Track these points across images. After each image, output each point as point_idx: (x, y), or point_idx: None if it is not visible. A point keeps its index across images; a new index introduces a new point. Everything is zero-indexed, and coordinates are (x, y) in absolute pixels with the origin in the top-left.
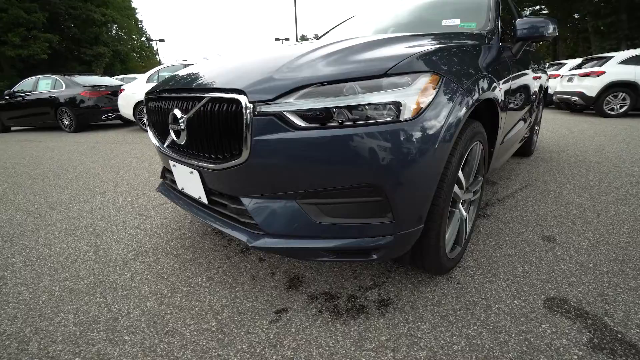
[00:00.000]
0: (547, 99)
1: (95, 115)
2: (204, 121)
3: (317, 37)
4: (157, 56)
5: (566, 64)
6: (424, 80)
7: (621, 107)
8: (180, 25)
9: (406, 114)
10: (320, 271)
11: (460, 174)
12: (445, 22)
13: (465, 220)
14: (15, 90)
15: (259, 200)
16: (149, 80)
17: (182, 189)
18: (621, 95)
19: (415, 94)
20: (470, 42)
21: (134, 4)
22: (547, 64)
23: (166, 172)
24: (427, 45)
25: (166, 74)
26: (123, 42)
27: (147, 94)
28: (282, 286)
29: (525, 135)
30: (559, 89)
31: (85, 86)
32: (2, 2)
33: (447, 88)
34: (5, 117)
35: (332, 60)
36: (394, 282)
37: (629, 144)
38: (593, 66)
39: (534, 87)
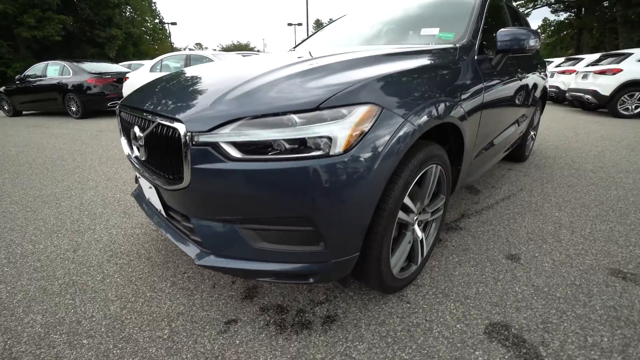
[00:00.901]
0: (545, 101)
1: (101, 102)
2: (155, 143)
3: (294, 47)
4: (169, 39)
5: (583, 59)
6: (360, 112)
7: (636, 107)
8: (193, 7)
9: (337, 148)
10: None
11: (408, 200)
12: (423, 32)
13: (422, 240)
14: (26, 75)
15: (204, 221)
16: (152, 70)
17: (148, 199)
18: (637, 94)
19: (348, 128)
20: (434, 61)
21: None
22: (564, 59)
23: (137, 179)
24: (377, 71)
25: (170, 63)
26: (136, 24)
27: (120, 104)
28: (238, 296)
29: (517, 141)
30: (572, 85)
31: (92, 73)
32: None
33: (386, 120)
34: (17, 101)
35: (269, 91)
36: (346, 298)
37: (632, 150)
38: (610, 63)
39: (523, 94)
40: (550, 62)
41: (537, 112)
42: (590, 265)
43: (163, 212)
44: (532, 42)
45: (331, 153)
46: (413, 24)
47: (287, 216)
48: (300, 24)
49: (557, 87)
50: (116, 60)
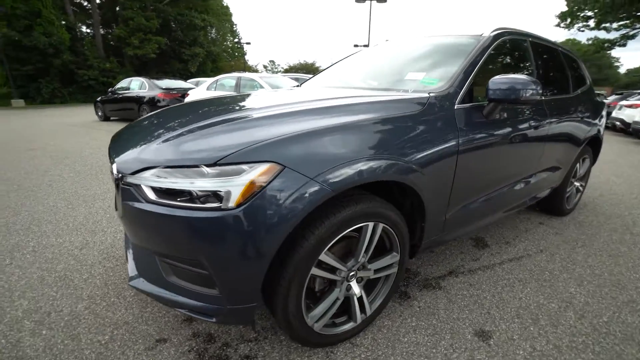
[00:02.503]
0: (599, 150)
1: None
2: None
3: (300, 84)
4: (245, 57)
5: None
6: (259, 170)
7: None
8: (269, 27)
9: (230, 203)
10: None
11: (329, 257)
12: (409, 76)
13: (361, 297)
14: (116, 87)
15: (137, 247)
16: (208, 88)
17: None
18: None
19: (242, 184)
20: (384, 114)
21: (231, 9)
22: (625, 95)
23: None
24: (303, 126)
25: (224, 83)
26: (217, 44)
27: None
28: (182, 316)
29: (538, 196)
30: (637, 119)
31: (162, 88)
32: (131, 12)
33: (287, 178)
34: (107, 109)
35: (187, 141)
36: (275, 341)
37: None
38: None
39: (543, 143)
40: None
41: (585, 160)
42: None
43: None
44: (529, 94)
45: (224, 207)
46: (407, 67)
47: (186, 258)
48: (366, 46)
49: (622, 120)
50: (196, 75)
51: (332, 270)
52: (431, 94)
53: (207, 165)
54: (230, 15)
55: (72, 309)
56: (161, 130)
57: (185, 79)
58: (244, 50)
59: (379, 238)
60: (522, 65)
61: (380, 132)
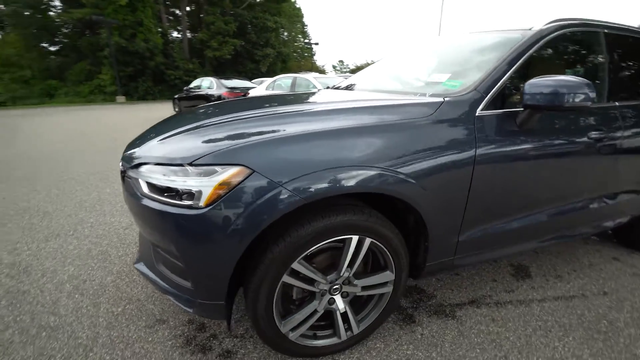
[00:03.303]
0: None
1: None
2: None
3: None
4: (313, 57)
5: None
6: (229, 172)
7: None
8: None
9: (200, 202)
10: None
11: (303, 267)
12: (433, 78)
13: (346, 312)
14: (191, 86)
15: (140, 233)
16: (267, 88)
17: None
18: None
19: (212, 185)
20: (379, 121)
21: (303, 10)
22: None
23: None
24: (291, 129)
25: (282, 83)
26: (287, 44)
27: None
28: None
29: (628, 218)
30: None
31: (227, 87)
32: (212, 17)
33: (255, 183)
34: (182, 105)
35: (175, 141)
36: (258, 342)
37: None
38: None
39: (607, 163)
40: None
41: None
42: None
43: None
44: (578, 99)
45: (194, 205)
46: (437, 67)
47: (165, 248)
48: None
49: None
50: (266, 74)
51: (310, 281)
52: (446, 99)
53: (184, 165)
54: (302, 16)
55: (102, 280)
56: (164, 130)
57: (252, 78)
58: (313, 50)
59: (373, 254)
60: (590, 63)
61: (369, 140)
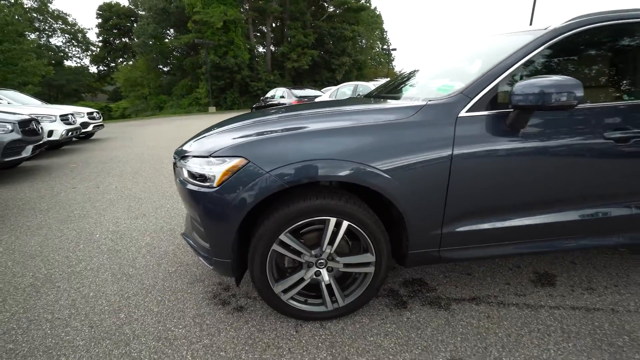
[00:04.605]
0: None
1: None
2: None
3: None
4: (392, 63)
5: None
6: (232, 162)
7: None
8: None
9: (214, 183)
10: None
11: (290, 239)
12: (431, 84)
13: (330, 285)
14: (267, 96)
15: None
16: (330, 96)
17: None
18: None
19: (220, 171)
20: (368, 122)
21: (383, 16)
22: None
23: None
24: (280, 128)
25: (345, 91)
26: (364, 52)
27: None
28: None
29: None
30: None
31: (297, 97)
32: (294, 31)
33: (250, 170)
34: None
35: (207, 139)
36: (265, 305)
37: None
38: None
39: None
40: None
41: None
42: None
43: None
44: (564, 98)
45: (210, 185)
46: (443, 73)
47: (194, 218)
48: None
49: None
50: (341, 82)
51: (298, 253)
52: (429, 102)
53: (208, 157)
54: (381, 23)
55: (166, 248)
56: (204, 131)
57: (327, 86)
58: (392, 56)
59: (355, 237)
60: (608, 61)
61: (345, 139)
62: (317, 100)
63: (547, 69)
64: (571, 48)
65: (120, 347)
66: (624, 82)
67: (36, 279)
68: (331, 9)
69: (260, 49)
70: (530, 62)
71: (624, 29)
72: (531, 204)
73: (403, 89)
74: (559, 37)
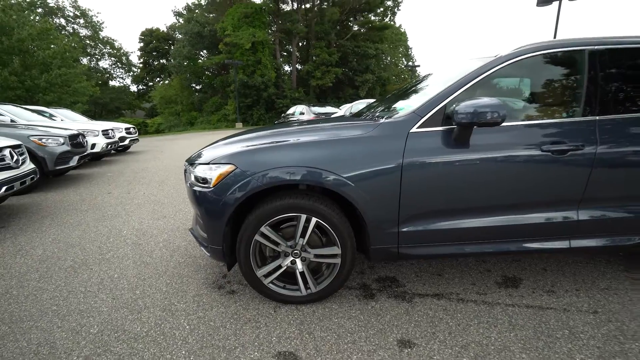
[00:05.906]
0: None
1: None
2: None
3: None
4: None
5: None
6: (224, 168)
7: None
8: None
9: (210, 184)
10: None
11: (269, 231)
12: (397, 104)
13: (304, 273)
14: (288, 112)
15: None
16: (346, 112)
17: None
18: None
19: (215, 175)
20: (331, 137)
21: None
22: None
23: None
24: (267, 142)
25: (360, 106)
26: (388, 68)
27: None
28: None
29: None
30: None
31: (315, 113)
32: (318, 50)
33: (238, 174)
34: None
35: (205, 150)
36: (253, 290)
37: None
38: None
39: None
40: None
41: None
42: None
43: None
44: (490, 117)
45: (208, 186)
46: (412, 96)
47: (197, 213)
48: None
49: None
50: (364, 98)
51: (276, 243)
52: (385, 120)
53: (206, 164)
54: (406, 40)
55: (179, 244)
56: (212, 143)
57: (344, 103)
58: (417, 72)
59: (324, 231)
60: (563, 83)
61: (314, 150)
62: (332, 116)
63: (493, 91)
64: (514, 73)
65: (134, 314)
66: (559, 101)
67: (75, 262)
68: (355, 28)
69: (287, 68)
70: (479, 85)
71: (557, 56)
72: (474, 209)
73: (377, 108)
74: (505, 64)
